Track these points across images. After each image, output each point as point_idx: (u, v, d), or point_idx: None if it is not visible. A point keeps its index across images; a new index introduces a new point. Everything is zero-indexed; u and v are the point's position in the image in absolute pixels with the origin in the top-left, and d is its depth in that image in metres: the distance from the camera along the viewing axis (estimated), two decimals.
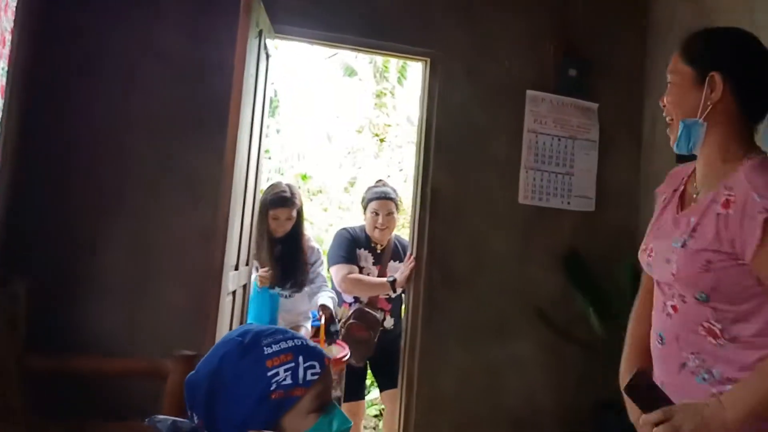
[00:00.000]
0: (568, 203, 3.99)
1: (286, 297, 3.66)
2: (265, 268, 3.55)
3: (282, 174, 6.67)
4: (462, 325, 3.71)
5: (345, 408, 3.66)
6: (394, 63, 6.53)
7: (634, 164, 4.13)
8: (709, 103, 1.54)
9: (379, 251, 4.00)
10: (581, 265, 3.80)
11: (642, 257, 1.74)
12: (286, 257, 3.66)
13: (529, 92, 4.01)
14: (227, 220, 2.81)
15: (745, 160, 1.51)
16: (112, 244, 3.08)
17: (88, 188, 3.06)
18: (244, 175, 3.11)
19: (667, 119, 1.69)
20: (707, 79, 1.54)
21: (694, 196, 1.64)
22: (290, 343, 1.13)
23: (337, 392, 3.23)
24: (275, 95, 6.56)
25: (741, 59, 1.53)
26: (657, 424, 1.38)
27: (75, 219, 3.03)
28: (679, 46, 1.63)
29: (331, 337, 3.54)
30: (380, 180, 4.31)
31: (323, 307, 3.62)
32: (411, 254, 3.80)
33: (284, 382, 1.09)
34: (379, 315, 3.81)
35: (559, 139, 4.09)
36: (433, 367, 3.67)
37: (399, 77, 6.70)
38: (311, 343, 1.17)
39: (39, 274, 2.84)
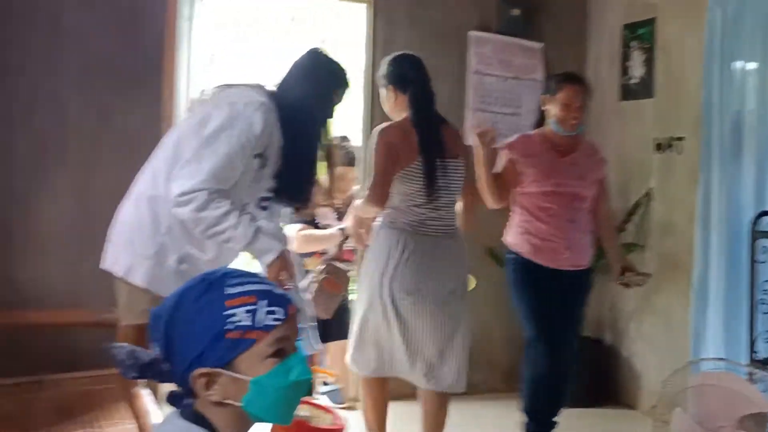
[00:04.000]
0: None
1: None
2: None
3: None
4: None
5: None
6: (334, 9, 6.41)
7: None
8: None
9: (341, 207, 3.97)
10: None
11: None
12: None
13: (472, 33, 4.01)
14: None
15: None
16: (53, 198, 3.02)
17: (26, 138, 2.98)
18: None
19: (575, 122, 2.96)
20: None
21: None
22: (255, 287, 1.11)
23: None
24: (213, 46, 6.35)
25: None
26: None
27: (11, 170, 2.96)
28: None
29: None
30: (344, 137, 4.00)
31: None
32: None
33: (241, 323, 1.07)
34: (345, 267, 3.66)
35: (505, 80, 4.12)
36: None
37: (338, 24, 6.57)
38: (280, 291, 1.14)
39: None
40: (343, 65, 2.29)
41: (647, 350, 3.71)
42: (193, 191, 1.89)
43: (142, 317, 2.10)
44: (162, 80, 2.80)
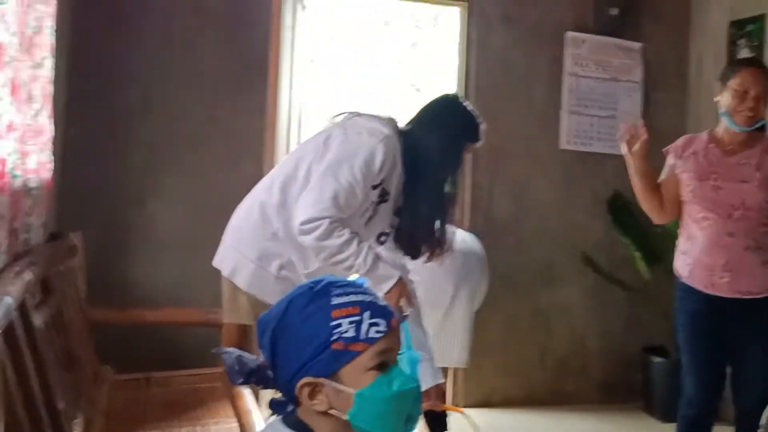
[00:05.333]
0: (612, 147, 3.92)
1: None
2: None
3: (321, 126, 6.68)
4: (507, 270, 3.71)
5: None
6: (428, 11, 6.42)
7: (681, 106, 4.04)
8: None
9: None
10: (626, 210, 3.76)
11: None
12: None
13: (569, 34, 3.92)
14: None
15: None
16: (163, 199, 3.15)
17: (139, 144, 3.13)
18: (286, 128, 3.13)
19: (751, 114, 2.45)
20: None
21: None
22: (360, 297, 1.10)
23: None
24: (311, 48, 6.51)
25: None
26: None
27: (126, 175, 3.10)
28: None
29: None
30: None
31: None
32: None
33: (345, 334, 1.07)
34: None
35: (601, 82, 4.01)
36: (479, 313, 3.70)
37: (433, 25, 6.59)
38: (382, 301, 1.13)
39: (93, 229, 2.93)
40: (478, 117, 2.19)
41: None
42: (316, 219, 1.92)
43: (243, 318, 2.15)
44: (267, 87, 2.87)
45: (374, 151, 1.98)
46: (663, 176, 2.60)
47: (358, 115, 2.13)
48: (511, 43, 3.83)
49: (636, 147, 2.47)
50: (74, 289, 2.51)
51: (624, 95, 4.05)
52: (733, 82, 2.46)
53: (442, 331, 2.95)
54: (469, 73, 3.79)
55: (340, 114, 2.16)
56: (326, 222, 1.92)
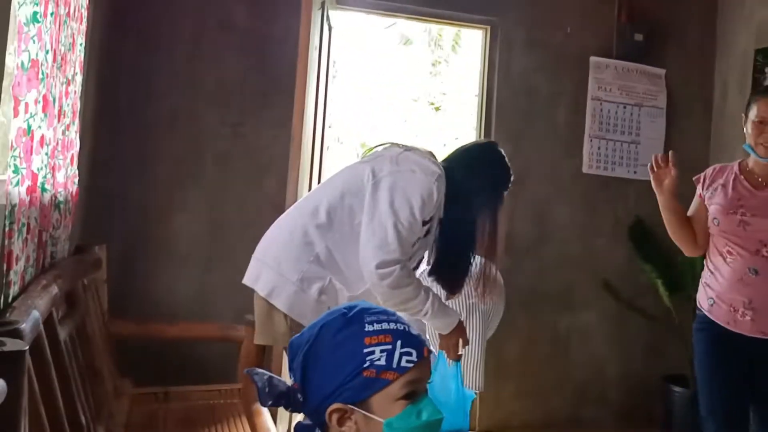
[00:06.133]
0: (635, 172, 3.91)
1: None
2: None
3: (341, 143, 6.76)
4: (527, 293, 3.69)
5: None
6: (448, 31, 6.45)
7: (704, 132, 4.02)
8: None
9: None
10: (648, 236, 3.74)
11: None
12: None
13: (593, 59, 3.92)
14: (296, 191, 2.86)
15: None
16: (187, 213, 3.17)
17: (164, 159, 3.16)
18: (310, 145, 3.14)
19: None
20: None
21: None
22: (392, 326, 1.11)
23: None
24: (334, 65, 6.57)
25: None
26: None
27: (151, 189, 3.13)
28: None
29: None
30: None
31: None
32: None
33: (377, 362, 1.07)
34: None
35: (625, 107, 4.00)
36: (498, 335, 3.68)
37: (453, 45, 6.61)
38: (414, 331, 1.14)
39: (117, 242, 2.95)
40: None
41: None
42: (388, 264, 1.94)
43: (279, 340, 2.08)
44: (293, 103, 2.89)
45: (431, 189, 2.00)
46: (693, 207, 2.52)
47: (407, 149, 2.13)
48: (535, 66, 3.83)
49: (667, 183, 2.39)
50: (97, 302, 2.52)
51: (647, 121, 4.04)
52: (751, 113, 2.39)
53: None
54: (491, 96, 3.79)
55: (383, 144, 2.17)
56: (398, 268, 1.94)
